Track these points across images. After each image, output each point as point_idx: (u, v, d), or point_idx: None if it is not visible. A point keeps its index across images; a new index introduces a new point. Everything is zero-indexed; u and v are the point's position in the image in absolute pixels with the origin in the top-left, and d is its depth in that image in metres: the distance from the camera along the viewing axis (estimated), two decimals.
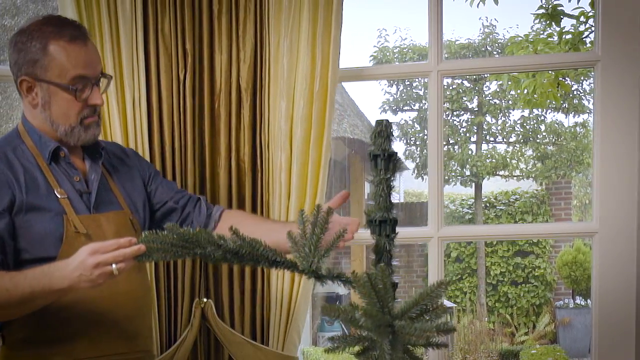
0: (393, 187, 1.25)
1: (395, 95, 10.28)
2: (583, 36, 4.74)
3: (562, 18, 4.72)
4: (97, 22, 2.03)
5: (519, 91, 5.32)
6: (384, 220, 1.23)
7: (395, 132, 10.24)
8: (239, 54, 2.08)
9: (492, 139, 10.06)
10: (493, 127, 9.96)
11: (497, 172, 9.89)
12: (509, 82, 5.44)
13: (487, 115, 9.90)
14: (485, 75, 9.27)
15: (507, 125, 9.91)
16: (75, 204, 1.65)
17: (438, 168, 2.12)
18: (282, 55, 2.04)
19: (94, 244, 1.45)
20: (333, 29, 2.01)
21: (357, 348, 1.16)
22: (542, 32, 5.07)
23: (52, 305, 1.54)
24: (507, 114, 9.93)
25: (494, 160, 9.78)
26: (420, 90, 10.17)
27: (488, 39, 9.99)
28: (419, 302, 1.12)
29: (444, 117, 9.66)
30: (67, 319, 1.61)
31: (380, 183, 1.23)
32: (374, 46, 10.40)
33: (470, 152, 9.88)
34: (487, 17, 10.12)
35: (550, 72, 4.79)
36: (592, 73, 2.17)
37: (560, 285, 9.30)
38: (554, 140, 9.79)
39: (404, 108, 10.30)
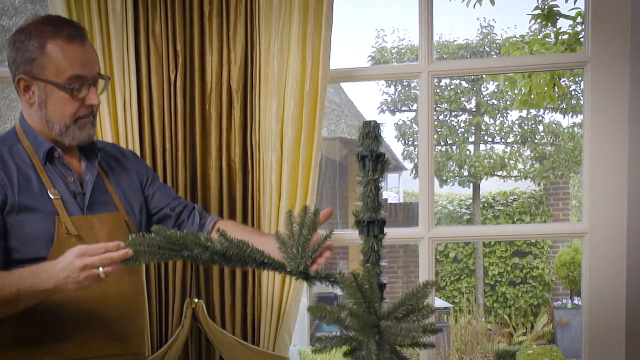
0: (381, 187, 1.25)
1: (393, 96, 10.27)
2: (579, 37, 4.72)
3: (557, 18, 4.71)
4: (88, 23, 2.03)
5: (515, 91, 5.31)
6: (372, 221, 1.23)
7: (394, 133, 10.25)
8: (229, 55, 2.08)
9: (490, 139, 10.05)
10: (491, 127, 9.95)
11: (495, 173, 9.87)
12: (506, 83, 5.42)
13: (485, 115, 9.89)
14: (482, 76, 9.26)
15: (505, 125, 9.90)
16: (68, 205, 1.65)
17: (429, 168, 2.13)
18: (272, 56, 2.04)
19: (81, 246, 1.46)
20: (323, 30, 2.01)
21: (345, 348, 1.16)
22: (538, 33, 5.05)
23: (42, 304, 1.55)
24: (505, 115, 9.92)
25: (492, 161, 9.76)
26: (418, 90, 10.12)
27: (486, 40, 9.98)
28: (405, 303, 1.13)
29: (442, 117, 9.71)
30: (57, 320, 1.61)
31: (369, 184, 1.23)
32: (372, 46, 10.39)
33: (468, 152, 9.87)
34: (485, 18, 10.13)
35: (546, 72, 4.78)
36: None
37: (558, 286, 9.31)
38: (552, 140, 9.78)
39: (402, 108, 10.29)
